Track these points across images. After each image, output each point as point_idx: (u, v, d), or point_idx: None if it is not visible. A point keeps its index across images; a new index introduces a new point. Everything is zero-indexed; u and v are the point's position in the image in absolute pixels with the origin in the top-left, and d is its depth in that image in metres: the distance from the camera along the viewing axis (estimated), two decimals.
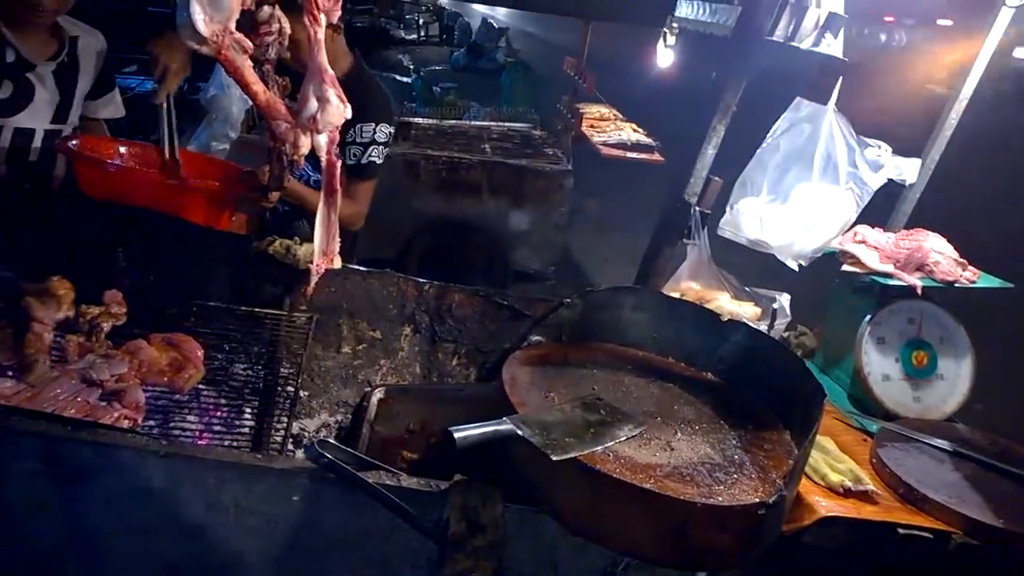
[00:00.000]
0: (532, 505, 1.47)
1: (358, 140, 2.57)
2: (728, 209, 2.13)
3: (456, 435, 1.41)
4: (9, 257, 2.01)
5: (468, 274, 4.94)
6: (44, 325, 1.74)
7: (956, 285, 2.08)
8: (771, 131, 2.15)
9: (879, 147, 2.07)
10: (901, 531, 1.59)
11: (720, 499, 1.43)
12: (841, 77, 1.78)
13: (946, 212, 2.53)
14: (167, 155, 2.15)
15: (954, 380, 2.06)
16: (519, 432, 1.47)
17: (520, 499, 1.46)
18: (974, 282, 2.11)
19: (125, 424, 1.54)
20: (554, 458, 1.41)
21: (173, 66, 2.05)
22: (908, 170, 2.08)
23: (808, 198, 2.06)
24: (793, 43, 1.89)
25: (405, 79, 8.94)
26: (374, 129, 2.58)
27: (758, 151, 2.15)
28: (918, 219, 2.38)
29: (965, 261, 2.15)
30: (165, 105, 2.10)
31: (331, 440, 1.43)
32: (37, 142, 2.39)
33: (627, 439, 1.58)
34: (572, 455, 1.43)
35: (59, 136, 2.40)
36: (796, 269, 2.14)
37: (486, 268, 5.01)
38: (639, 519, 1.40)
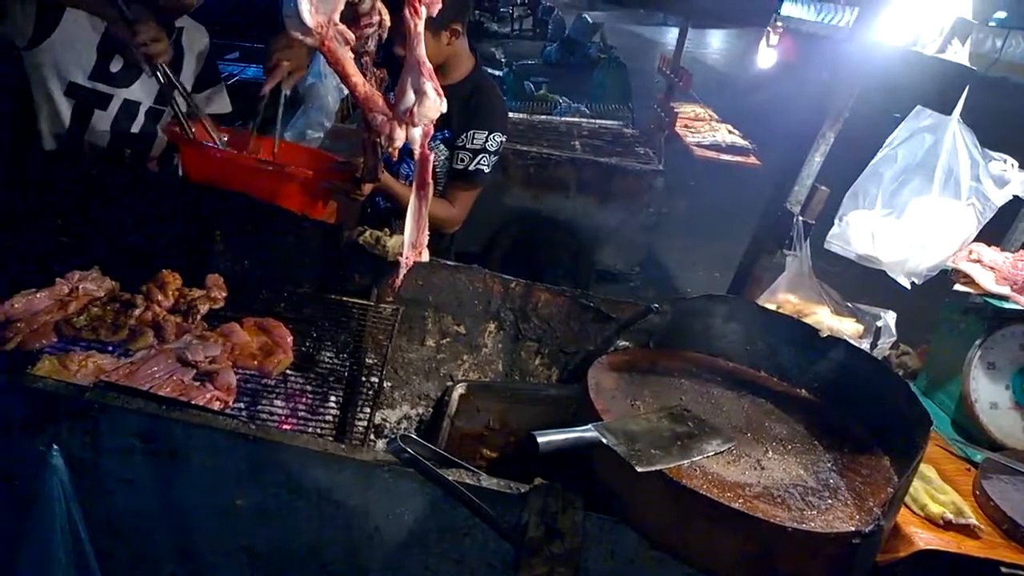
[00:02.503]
0: (612, 515, 1.44)
1: (468, 146, 2.51)
2: (837, 222, 2.01)
3: (539, 439, 1.38)
4: (110, 233, 2.11)
5: (551, 271, 4.92)
6: (161, 308, 1.82)
7: None
8: (888, 141, 2.02)
9: (1004, 161, 1.92)
10: (1005, 570, 1.51)
11: (812, 525, 1.37)
12: (968, 86, 1.66)
13: None
14: (274, 146, 2.21)
15: None
16: (603, 440, 1.44)
17: (600, 507, 1.43)
18: None
19: (216, 405, 1.59)
20: (639, 469, 1.38)
21: (287, 63, 2.10)
22: None
23: (926, 213, 1.93)
24: (915, 48, 1.77)
25: (497, 73, 8.97)
26: (487, 137, 2.52)
27: (873, 162, 2.02)
28: None
29: None
30: (276, 98, 2.15)
31: (412, 435, 1.43)
32: (140, 117, 2.50)
33: (715, 454, 1.53)
34: (657, 468, 1.40)
35: (161, 116, 2.50)
36: (908, 287, 2.01)
37: (570, 266, 4.97)
38: (725, 539, 1.36)
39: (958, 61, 1.71)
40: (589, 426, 1.47)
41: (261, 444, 1.38)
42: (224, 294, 1.94)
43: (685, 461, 1.46)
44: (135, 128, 2.50)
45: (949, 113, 1.84)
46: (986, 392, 1.95)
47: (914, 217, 1.94)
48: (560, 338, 2.28)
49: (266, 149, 2.32)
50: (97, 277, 1.94)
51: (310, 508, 1.44)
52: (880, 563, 1.49)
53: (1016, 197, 1.93)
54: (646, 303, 2.09)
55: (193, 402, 1.53)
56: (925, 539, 1.53)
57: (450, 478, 1.41)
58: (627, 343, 1.96)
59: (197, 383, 1.65)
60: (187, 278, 1.97)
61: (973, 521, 1.57)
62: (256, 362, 1.77)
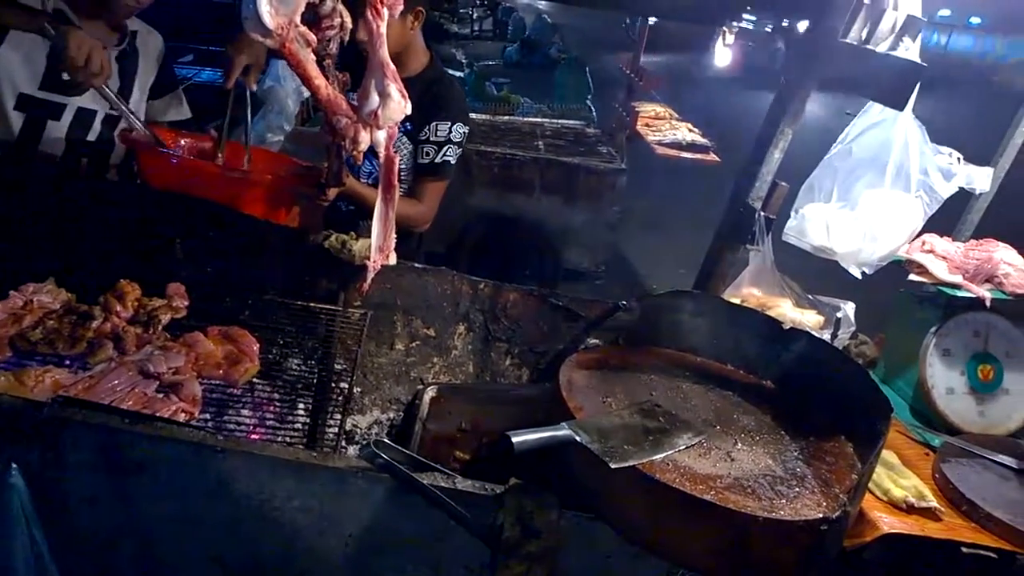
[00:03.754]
0: (587, 512, 1.44)
1: (432, 138, 2.50)
2: (793, 214, 2.06)
3: (514, 439, 1.38)
4: (67, 244, 2.04)
5: (519, 271, 4.93)
6: (120, 319, 1.77)
7: None
8: (842, 136, 2.07)
9: (950, 155, 1.99)
10: (965, 550, 1.56)
11: (782, 513, 1.39)
12: (919, 83, 1.71)
13: (1015, 221, 2.42)
14: (245, 147, 2.16)
15: (1020, 395, 2.02)
16: (577, 438, 1.44)
17: (575, 505, 1.43)
18: None
19: (182, 417, 1.55)
20: (612, 466, 1.38)
21: (242, 58, 2.06)
22: (980, 179, 1.99)
23: (877, 205, 1.99)
24: (868, 46, 1.81)
25: (458, 74, 8.94)
26: (450, 128, 2.51)
27: (827, 156, 2.07)
28: (984, 228, 2.29)
29: None
30: (242, 99, 2.11)
31: (385, 439, 1.41)
32: (96, 125, 2.43)
33: (686, 448, 1.54)
34: (631, 463, 1.41)
35: (117, 123, 2.43)
36: (860, 277, 2.07)
37: (537, 265, 4.99)
38: (698, 531, 1.37)
39: (909, 58, 1.76)
40: (562, 424, 1.47)
41: (229, 455, 1.35)
42: (186, 303, 1.90)
43: (658, 456, 1.48)
44: (91, 136, 2.43)
45: (901, 109, 1.89)
46: (942, 378, 2.02)
47: (866, 209, 2.00)
48: (530, 338, 2.28)
49: (227, 153, 2.28)
50: (52, 289, 1.88)
51: (282, 518, 1.41)
52: (847, 548, 1.53)
53: (961, 189, 1.99)
54: (614, 301, 2.11)
55: (157, 415, 1.49)
56: (889, 523, 1.57)
57: (424, 482, 1.39)
58: (597, 341, 1.97)
59: (160, 395, 1.60)
60: (147, 288, 1.92)
61: (934, 504, 1.61)
62: (221, 371, 1.73)
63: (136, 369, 1.64)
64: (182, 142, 2.32)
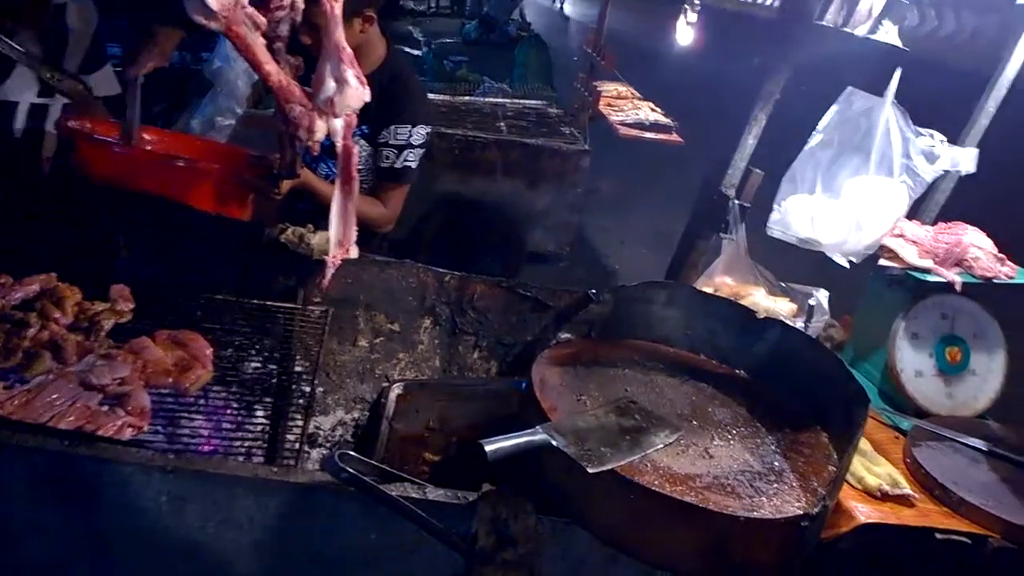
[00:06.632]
0: (564, 516, 1.40)
1: (391, 142, 2.36)
2: (776, 207, 2.01)
3: (487, 448, 1.32)
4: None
5: (482, 255, 4.85)
6: (59, 326, 1.65)
7: (995, 281, 2.03)
8: (820, 124, 2.03)
9: (932, 136, 1.96)
10: (939, 536, 1.57)
11: (763, 512, 1.37)
12: (900, 68, 1.67)
13: (981, 202, 2.43)
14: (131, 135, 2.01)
15: (986, 376, 2.03)
16: (553, 442, 1.39)
17: (551, 509, 1.39)
18: (1012, 278, 2.06)
19: (128, 432, 1.44)
20: (591, 470, 1.34)
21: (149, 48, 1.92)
22: (965, 160, 1.96)
23: (862, 193, 1.96)
24: (846, 29, 1.76)
25: (416, 52, 8.74)
26: (410, 131, 2.36)
27: (808, 146, 2.03)
28: (950, 208, 2.30)
29: (1004, 256, 2.09)
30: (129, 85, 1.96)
31: (349, 439, 1.34)
32: (21, 117, 2.25)
33: (664, 447, 1.50)
34: (609, 467, 1.36)
35: (46, 112, 2.26)
36: (847, 267, 2.04)
37: (500, 249, 4.92)
38: (679, 533, 1.35)
39: (889, 41, 1.71)
40: (537, 428, 1.42)
41: (181, 474, 1.26)
42: (131, 306, 1.78)
43: (635, 457, 1.44)
44: (17, 134, 2.25)
45: (881, 94, 1.86)
46: (911, 362, 2.02)
47: (851, 198, 1.97)
48: (498, 330, 2.23)
49: (171, 143, 2.14)
50: None
51: (243, 537, 1.33)
52: (824, 539, 1.51)
53: (946, 172, 1.97)
54: (582, 288, 2.06)
55: (102, 431, 1.39)
56: (865, 513, 1.57)
57: (394, 493, 1.33)
58: (569, 335, 1.92)
59: (105, 408, 1.49)
60: (88, 290, 1.80)
61: (908, 491, 1.62)
62: (172, 379, 1.63)
63: (77, 381, 1.53)
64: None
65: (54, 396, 1.45)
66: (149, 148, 2.10)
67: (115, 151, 2.00)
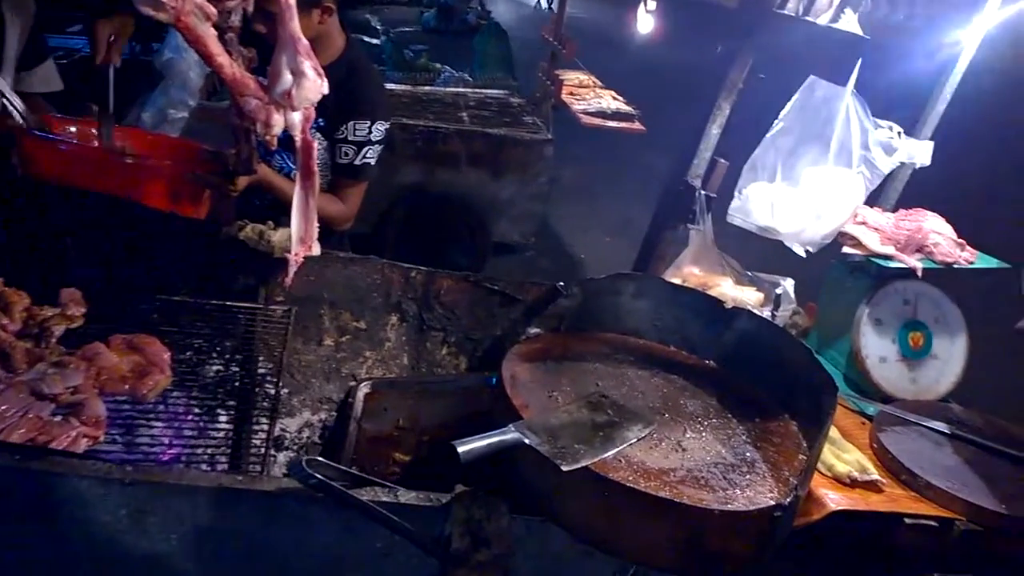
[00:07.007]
0: (538, 514, 1.38)
1: (351, 138, 2.29)
2: (737, 195, 2.02)
3: (460, 449, 1.29)
4: None
5: (448, 247, 4.82)
6: (7, 333, 1.57)
7: (955, 266, 2.07)
8: (782, 112, 2.03)
9: (891, 128, 1.98)
10: (908, 520, 1.59)
11: (737, 504, 1.37)
12: (860, 58, 1.67)
13: (938, 188, 2.48)
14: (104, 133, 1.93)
15: (948, 360, 2.07)
16: (526, 440, 1.37)
17: (525, 507, 1.37)
18: (972, 263, 2.10)
19: (84, 443, 1.38)
20: (565, 469, 1.32)
21: (107, 28, 1.83)
22: (921, 153, 2.00)
23: (821, 183, 1.98)
24: (808, 18, 1.77)
25: (374, 41, 8.61)
26: (369, 128, 2.30)
27: (769, 134, 2.04)
28: (908, 194, 2.33)
29: (963, 241, 2.13)
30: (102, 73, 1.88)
31: (319, 458, 1.29)
32: None
33: (637, 441, 1.50)
34: (583, 464, 1.35)
35: None
36: (804, 256, 2.06)
37: (465, 240, 4.90)
38: (654, 528, 1.34)
39: (850, 30, 1.72)
40: (510, 426, 1.40)
41: (141, 487, 1.21)
42: (83, 310, 1.70)
43: (609, 453, 1.43)
44: None
45: (844, 82, 1.87)
46: (875, 347, 2.05)
47: (810, 187, 1.98)
48: (466, 325, 2.19)
49: (123, 138, 2.05)
50: None
51: (209, 549, 1.29)
52: (795, 527, 1.51)
53: (902, 164, 1.99)
54: (550, 281, 2.04)
55: (55, 443, 1.33)
56: (836, 500, 1.59)
57: (364, 498, 1.29)
58: (538, 329, 1.90)
59: (58, 418, 1.43)
60: (36, 295, 1.72)
61: (876, 476, 1.64)
62: (128, 386, 1.56)
63: (28, 390, 1.45)
64: (72, 129, 2.07)
65: (3, 407, 1.38)
66: (97, 145, 2.01)
67: (61, 148, 1.91)
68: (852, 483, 1.63)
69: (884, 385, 2.03)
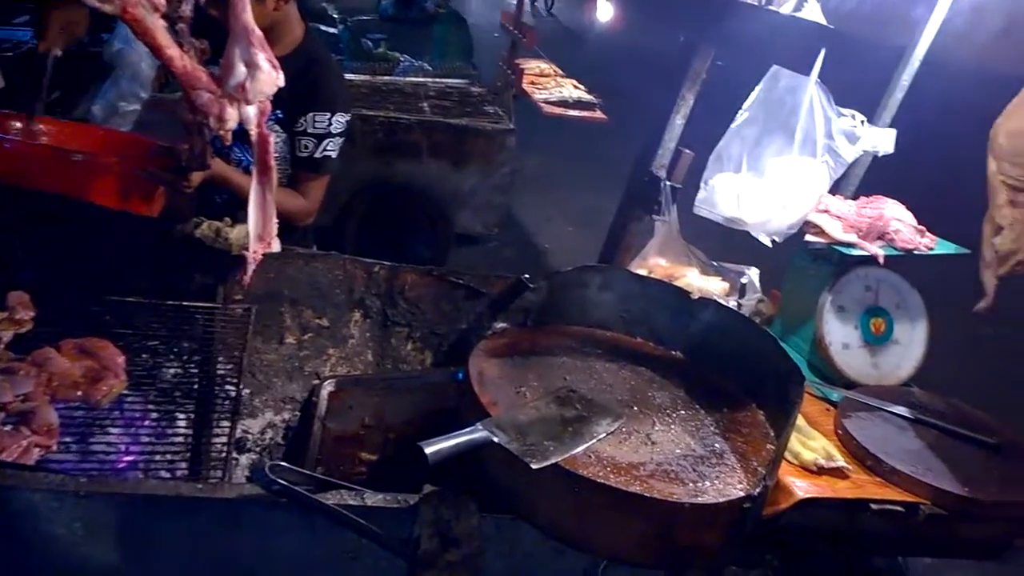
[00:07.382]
0: (508, 512, 1.37)
1: (310, 131, 2.24)
2: (703, 186, 2.02)
3: (427, 450, 1.27)
4: None
5: (409, 239, 4.78)
6: None
7: (915, 252, 2.08)
8: (747, 102, 2.03)
9: (854, 117, 1.99)
10: (874, 506, 1.59)
11: (707, 497, 1.38)
12: (824, 48, 1.68)
13: (897, 175, 2.51)
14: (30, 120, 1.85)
15: (908, 345, 2.08)
16: (495, 439, 1.35)
17: (495, 505, 1.36)
18: (932, 249, 2.12)
19: (36, 452, 1.33)
20: (534, 466, 1.31)
21: (56, 18, 1.76)
22: (883, 141, 2.01)
23: (786, 173, 1.98)
24: (771, 8, 1.76)
25: (331, 30, 8.44)
26: (329, 120, 2.25)
27: (734, 124, 2.03)
28: (868, 183, 2.36)
29: (923, 227, 2.14)
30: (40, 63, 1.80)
31: (282, 463, 1.26)
32: None
33: (606, 435, 1.49)
34: (553, 461, 1.33)
35: None
36: (770, 246, 2.07)
37: (428, 232, 4.86)
38: (626, 523, 1.34)
39: (814, 19, 1.72)
40: (478, 425, 1.38)
41: (95, 499, 1.16)
42: (32, 314, 1.63)
43: (579, 449, 1.41)
44: None
45: (807, 72, 1.87)
46: (838, 334, 2.06)
47: (775, 177, 1.99)
48: (431, 320, 2.17)
49: (68, 134, 1.97)
50: None
51: (169, 560, 1.25)
52: (764, 517, 1.52)
53: (865, 152, 2.01)
54: (515, 273, 2.02)
55: (5, 454, 1.27)
56: (803, 488, 1.58)
57: (330, 502, 1.27)
58: (504, 324, 1.88)
59: (8, 428, 1.37)
60: None
61: (842, 463, 1.64)
62: (81, 392, 1.51)
63: None
64: (16, 125, 1.99)
65: None
66: (43, 141, 1.93)
67: (5, 146, 1.83)
68: (819, 470, 1.63)
69: (847, 371, 2.04)
